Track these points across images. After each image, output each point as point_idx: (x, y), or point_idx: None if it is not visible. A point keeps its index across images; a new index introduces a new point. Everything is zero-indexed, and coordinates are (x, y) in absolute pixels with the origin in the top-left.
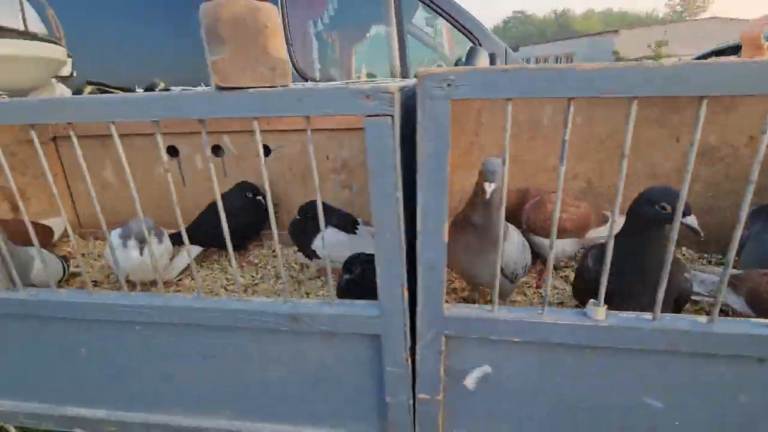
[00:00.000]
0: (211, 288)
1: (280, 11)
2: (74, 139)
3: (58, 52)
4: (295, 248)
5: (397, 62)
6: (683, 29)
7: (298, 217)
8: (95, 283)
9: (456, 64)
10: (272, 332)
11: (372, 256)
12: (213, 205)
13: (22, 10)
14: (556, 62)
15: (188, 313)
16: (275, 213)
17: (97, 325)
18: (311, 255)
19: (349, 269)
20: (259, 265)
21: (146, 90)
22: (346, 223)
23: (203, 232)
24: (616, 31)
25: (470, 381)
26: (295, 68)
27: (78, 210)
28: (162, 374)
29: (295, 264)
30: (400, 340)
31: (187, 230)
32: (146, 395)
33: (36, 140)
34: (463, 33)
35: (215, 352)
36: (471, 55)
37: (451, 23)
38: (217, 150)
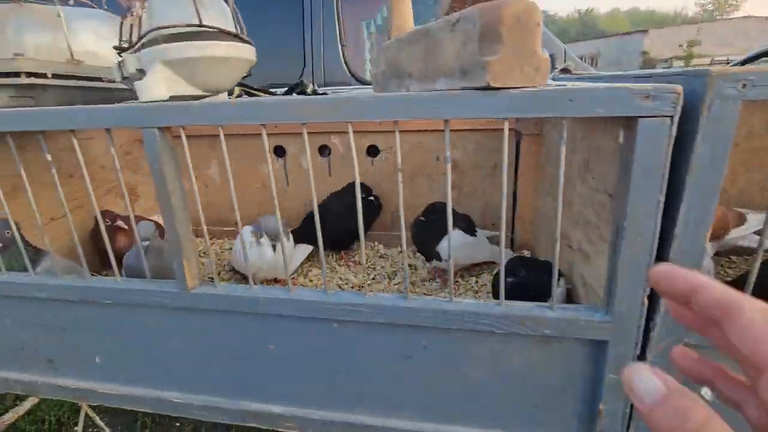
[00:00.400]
0: (328, 288)
1: (335, 10)
2: (222, 139)
3: (253, 53)
4: (399, 248)
5: None
6: (716, 28)
7: (422, 218)
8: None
9: None
10: (479, 334)
11: (531, 260)
12: (325, 205)
13: (233, 13)
14: None
15: (395, 312)
16: (380, 211)
17: (292, 321)
18: (434, 257)
19: (514, 272)
20: (365, 265)
21: (288, 91)
22: (469, 225)
23: (314, 231)
24: (646, 30)
25: (707, 391)
26: (348, 70)
27: None
28: (350, 372)
29: (403, 265)
30: (630, 346)
31: (299, 229)
32: (328, 392)
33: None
34: None
35: (413, 353)
36: None
37: None
38: (322, 150)
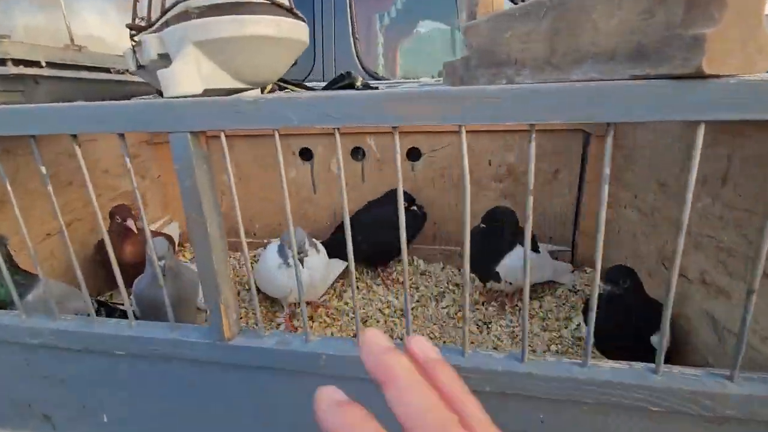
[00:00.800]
0: (366, 312)
1: (347, 2)
2: (278, 142)
3: (306, 32)
4: (441, 265)
5: None
6: None
7: (482, 225)
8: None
9: None
10: (626, 410)
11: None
12: (361, 215)
13: None
14: None
15: (508, 379)
16: (424, 223)
17: (364, 383)
18: (490, 277)
19: (615, 280)
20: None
21: (329, 85)
22: (532, 241)
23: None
24: None
25: None
26: (361, 64)
27: None
28: None
29: (449, 284)
30: None
31: (328, 242)
32: None
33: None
34: None
35: (527, 428)
36: None
37: None
38: (355, 153)
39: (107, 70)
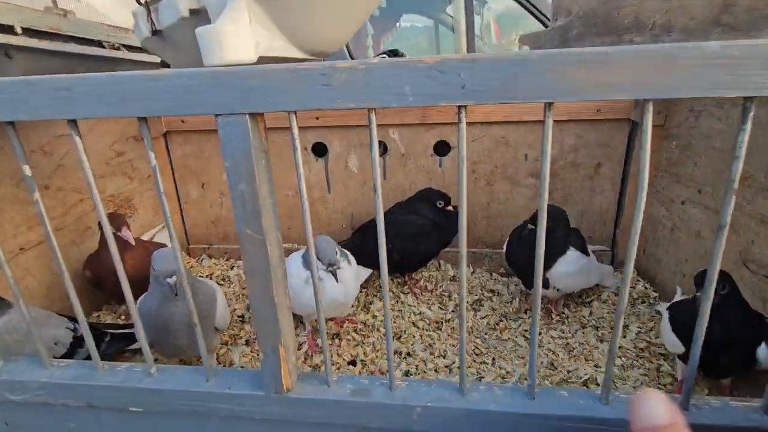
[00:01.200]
0: (398, 325)
1: None
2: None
3: None
4: (470, 269)
5: (464, 50)
6: None
7: (531, 226)
8: (241, 319)
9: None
10: None
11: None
12: (389, 218)
13: None
14: None
15: None
16: (456, 224)
17: None
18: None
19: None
20: (436, 291)
21: None
22: (582, 242)
23: (366, 249)
24: None
25: None
26: (350, 55)
27: (186, 221)
28: None
29: (483, 290)
30: None
31: (349, 246)
32: None
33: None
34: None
35: None
36: None
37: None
38: None
39: (99, 44)
